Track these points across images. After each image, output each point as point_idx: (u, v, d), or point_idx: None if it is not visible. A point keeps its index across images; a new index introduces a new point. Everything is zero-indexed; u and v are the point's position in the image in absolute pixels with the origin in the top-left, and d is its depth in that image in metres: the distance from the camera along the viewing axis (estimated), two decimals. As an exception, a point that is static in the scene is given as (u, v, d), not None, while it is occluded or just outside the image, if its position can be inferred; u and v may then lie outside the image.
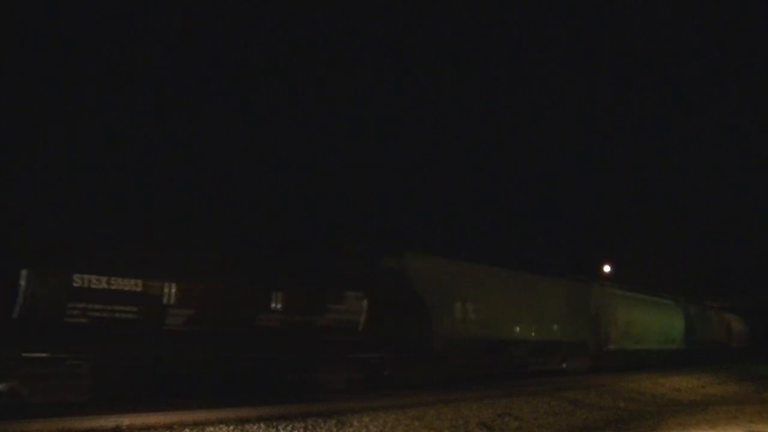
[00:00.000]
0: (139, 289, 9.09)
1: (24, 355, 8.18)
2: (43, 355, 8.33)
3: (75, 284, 8.47)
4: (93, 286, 8.63)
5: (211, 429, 7.34)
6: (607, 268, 43.48)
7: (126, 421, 7.17)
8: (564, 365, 19.81)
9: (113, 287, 8.83)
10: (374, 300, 12.34)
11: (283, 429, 7.86)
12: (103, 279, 8.75)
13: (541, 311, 18.57)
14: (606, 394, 14.93)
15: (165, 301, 9.39)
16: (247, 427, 7.65)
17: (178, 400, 8.96)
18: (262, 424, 7.81)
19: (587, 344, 20.87)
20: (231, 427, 7.50)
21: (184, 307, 9.59)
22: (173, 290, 9.46)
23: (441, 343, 14.27)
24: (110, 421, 7.11)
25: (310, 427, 8.12)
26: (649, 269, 45.74)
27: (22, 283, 8.08)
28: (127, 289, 8.97)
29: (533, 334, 18.00)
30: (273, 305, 10.70)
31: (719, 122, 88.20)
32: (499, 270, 17.82)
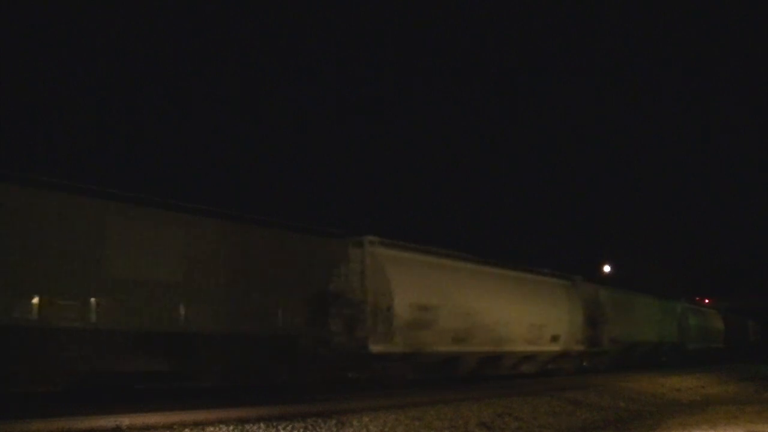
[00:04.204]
0: None
1: None
2: None
3: None
4: None
5: (211, 429, 7.33)
6: (607, 268, 43.54)
7: (126, 421, 7.16)
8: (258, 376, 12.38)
9: None
10: None
11: (283, 429, 7.86)
12: None
13: (175, 281, 11.00)
14: (606, 394, 14.92)
15: None
16: (247, 427, 7.64)
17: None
18: (262, 424, 7.80)
19: (308, 342, 13.06)
20: (231, 427, 7.50)
21: None
22: None
23: None
24: (110, 421, 7.11)
25: (310, 427, 8.11)
26: (649, 269, 45.82)
27: None
28: None
29: (138, 320, 10.31)
30: None
31: (719, 122, 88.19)
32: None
